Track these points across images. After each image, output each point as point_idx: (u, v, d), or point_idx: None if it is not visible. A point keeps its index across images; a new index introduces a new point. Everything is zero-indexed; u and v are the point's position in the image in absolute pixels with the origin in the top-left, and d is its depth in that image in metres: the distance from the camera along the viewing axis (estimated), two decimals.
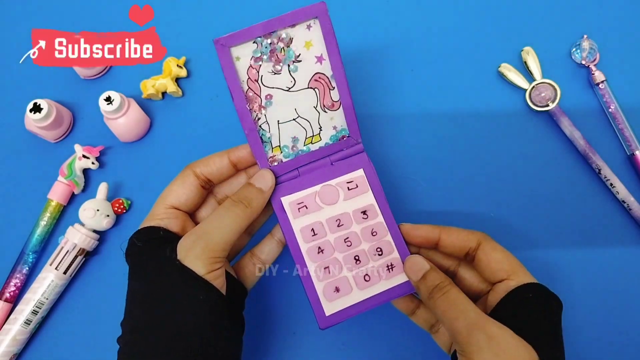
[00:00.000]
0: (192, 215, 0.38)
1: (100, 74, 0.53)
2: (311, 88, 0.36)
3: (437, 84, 0.50)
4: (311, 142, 0.37)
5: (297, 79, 0.36)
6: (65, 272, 0.45)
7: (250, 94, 0.35)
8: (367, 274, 0.36)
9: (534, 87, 0.48)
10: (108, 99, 0.47)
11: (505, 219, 0.46)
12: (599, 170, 0.45)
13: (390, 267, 0.36)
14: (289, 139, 0.37)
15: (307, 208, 0.36)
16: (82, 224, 0.46)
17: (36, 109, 0.48)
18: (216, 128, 0.51)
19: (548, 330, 0.31)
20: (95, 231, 0.46)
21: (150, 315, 0.32)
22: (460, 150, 0.48)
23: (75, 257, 0.45)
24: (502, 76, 0.50)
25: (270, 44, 0.34)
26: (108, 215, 0.46)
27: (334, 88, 0.36)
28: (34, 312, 0.44)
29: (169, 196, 0.36)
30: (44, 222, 0.47)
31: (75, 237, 0.45)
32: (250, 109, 0.35)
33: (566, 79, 0.49)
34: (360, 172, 0.38)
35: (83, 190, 0.49)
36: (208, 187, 0.37)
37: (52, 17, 0.57)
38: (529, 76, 0.49)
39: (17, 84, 0.54)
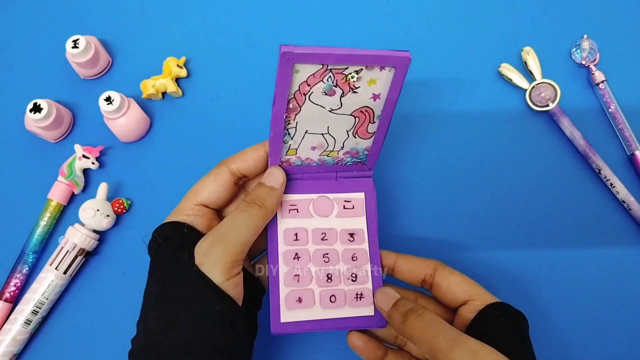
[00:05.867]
0: (220, 211, 0.38)
1: (100, 74, 0.54)
2: (353, 116, 0.34)
3: (437, 84, 0.50)
4: (327, 155, 0.36)
5: (344, 104, 0.34)
6: (65, 272, 0.45)
7: (293, 103, 0.33)
8: (333, 295, 0.35)
9: (534, 87, 0.48)
10: (108, 99, 0.47)
11: (505, 219, 0.46)
12: (599, 170, 0.45)
13: (359, 296, 0.35)
14: (308, 147, 0.35)
15: (297, 212, 0.36)
16: (82, 224, 0.46)
17: (36, 109, 0.48)
18: (216, 128, 0.51)
19: (520, 346, 0.32)
20: (95, 231, 0.46)
21: (163, 321, 0.31)
22: (460, 150, 0.48)
23: (75, 257, 0.45)
24: (502, 76, 0.50)
25: (337, 71, 0.32)
26: (108, 215, 0.46)
27: (374, 122, 0.35)
28: (34, 312, 0.44)
29: (200, 192, 0.35)
30: (44, 222, 0.47)
31: (75, 237, 0.45)
32: (285, 116, 0.33)
33: (566, 79, 0.49)
34: (360, 195, 0.37)
35: (83, 190, 0.49)
36: (242, 184, 0.37)
37: (52, 18, 0.57)
38: (529, 76, 0.49)
39: (17, 84, 0.55)
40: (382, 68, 0.32)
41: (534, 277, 0.44)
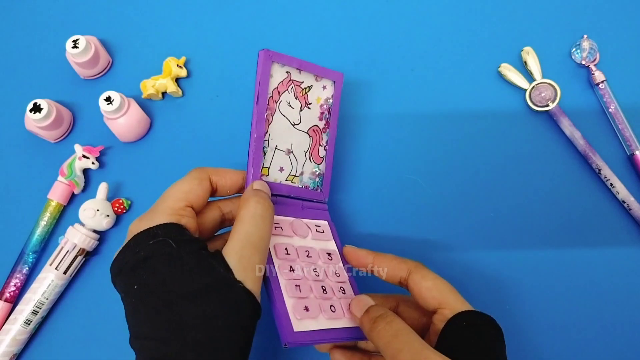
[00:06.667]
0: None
1: (100, 74, 0.54)
2: (308, 135, 0.41)
3: (437, 84, 0.50)
4: (291, 181, 0.40)
5: (302, 120, 0.41)
6: (65, 272, 0.45)
7: (268, 110, 0.38)
8: (332, 305, 0.35)
9: (534, 87, 0.48)
10: (108, 99, 0.47)
11: (505, 219, 0.46)
12: (599, 170, 0.45)
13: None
14: (277, 167, 0.39)
15: (282, 230, 0.37)
16: (82, 224, 0.46)
17: (36, 109, 0.48)
18: (216, 128, 0.51)
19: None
20: (95, 231, 0.46)
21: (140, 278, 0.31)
22: (460, 150, 0.48)
23: (75, 257, 0.45)
24: (502, 76, 0.50)
25: (297, 84, 0.40)
26: (108, 215, 0.46)
27: (323, 146, 0.42)
28: (34, 312, 0.44)
29: (189, 194, 0.34)
30: (44, 222, 0.47)
31: (75, 237, 0.45)
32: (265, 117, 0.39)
33: (566, 79, 0.49)
34: (325, 222, 0.40)
35: (83, 190, 0.49)
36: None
37: (52, 18, 0.57)
38: (529, 76, 0.49)
39: (17, 84, 0.55)
40: (324, 87, 0.41)
41: (534, 277, 0.44)
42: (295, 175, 0.40)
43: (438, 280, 0.34)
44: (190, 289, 0.29)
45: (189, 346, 0.28)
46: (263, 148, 0.38)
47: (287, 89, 0.40)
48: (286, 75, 0.39)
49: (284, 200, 0.39)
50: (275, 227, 0.37)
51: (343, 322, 0.35)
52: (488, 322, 0.33)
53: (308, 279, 0.35)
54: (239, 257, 0.31)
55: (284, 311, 0.33)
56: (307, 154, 0.41)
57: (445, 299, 0.33)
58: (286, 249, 0.36)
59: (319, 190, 0.42)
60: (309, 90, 0.41)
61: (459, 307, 0.33)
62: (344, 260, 0.39)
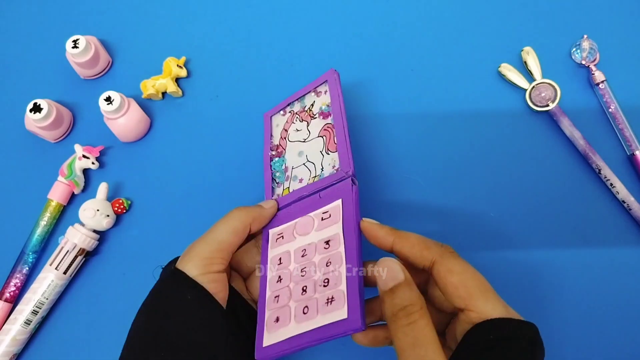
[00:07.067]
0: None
1: (100, 74, 0.54)
2: (320, 136, 0.41)
3: (437, 84, 0.50)
4: (313, 181, 0.39)
5: (311, 131, 0.42)
6: (65, 272, 0.45)
7: (279, 149, 0.44)
8: (306, 306, 0.32)
9: (534, 87, 0.48)
10: (108, 99, 0.47)
11: (505, 219, 0.46)
12: (599, 170, 0.45)
13: (329, 300, 0.31)
14: (297, 181, 0.40)
15: (283, 238, 0.37)
16: (82, 224, 0.46)
17: (36, 109, 0.48)
18: (216, 128, 0.51)
19: None
20: (95, 231, 0.46)
21: (144, 323, 0.32)
22: (460, 150, 0.48)
23: (75, 257, 0.45)
24: (502, 76, 0.50)
25: (300, 110, 0.44)
26: (108, 215, 0.46)
27: (335, 134, 0.40)
28: (34, 312, 0.44)
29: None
30: (44, 222, 0.47)
31: (75, 237, 0.45)
32: (274, 158, 0.43)
33: (566, 79, 0.49)
34: (337, 202, 0.36)
35: (83, 190, 0.49)
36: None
37: (52, 18, 0.57)
38: (529, 76, 0.49)
39: (17, 84, 0.55)
40: (325, 92, 0.43)
41: (533, 278, 0.44)
42: (316, 175, 0.39)
43: (466, 274, 0.30)
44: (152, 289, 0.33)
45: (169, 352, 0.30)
46: (279, 180, 0.42)
47: (293, 121, 0.44)
48: (289, 114, 0.44)
49: (302, 201, 0.38)
50: (276, 239, 0.37)
51: (315, 322, 0.31)
52: (521, 335, 0.27)
53: (293, 283, 0.34)
54: (183, 253, 0.34)
55: (260, 326, 0.34)
56: (323, 151, 0.40)
57: (473, 301, 0.28)
58: (280, 258, 0.36)
59: (335, 169, 0.38)
60: (312, 106, 0.43)
61: (488, 311, 0.28)
62: (349, 237, 0.34)
